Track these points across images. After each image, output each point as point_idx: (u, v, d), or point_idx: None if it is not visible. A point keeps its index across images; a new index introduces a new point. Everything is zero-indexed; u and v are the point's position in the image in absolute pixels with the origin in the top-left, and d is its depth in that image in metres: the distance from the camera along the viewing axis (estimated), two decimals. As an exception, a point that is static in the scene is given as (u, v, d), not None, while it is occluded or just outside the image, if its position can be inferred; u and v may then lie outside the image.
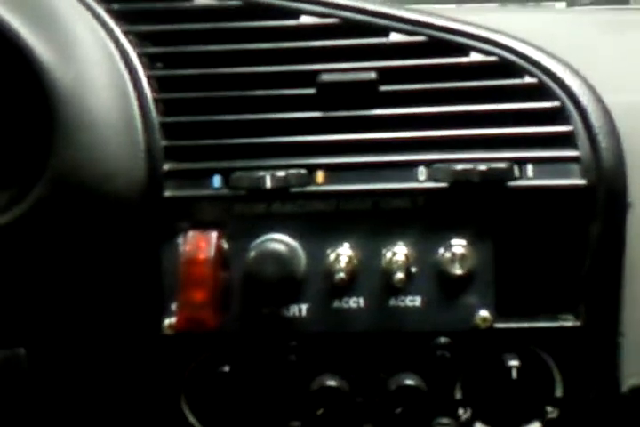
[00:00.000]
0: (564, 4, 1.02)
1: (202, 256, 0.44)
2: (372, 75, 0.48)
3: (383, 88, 0.48)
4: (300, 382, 0.48)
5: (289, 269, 0.46)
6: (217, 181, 0.47)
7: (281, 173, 0.45)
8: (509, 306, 0.48)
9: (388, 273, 0.46)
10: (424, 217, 0.47)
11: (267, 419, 0.49)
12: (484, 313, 0.47)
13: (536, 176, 0.47)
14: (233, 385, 0.48)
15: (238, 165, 0.47)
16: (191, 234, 0.45)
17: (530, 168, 0.47)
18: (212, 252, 0.44)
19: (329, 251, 0.47)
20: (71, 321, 0.41)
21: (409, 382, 0.47)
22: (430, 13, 0.50)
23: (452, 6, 0.80)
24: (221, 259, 0.45)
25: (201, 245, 0.44)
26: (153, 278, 0.47)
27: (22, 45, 0.42)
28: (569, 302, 0.48)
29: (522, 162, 0.47)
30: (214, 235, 0.45)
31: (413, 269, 0.47)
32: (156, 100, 0.47)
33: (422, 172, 0.47)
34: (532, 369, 0.48)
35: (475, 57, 0.49)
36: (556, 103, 0.48)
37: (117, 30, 0.48)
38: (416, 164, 0.47)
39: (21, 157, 0.43)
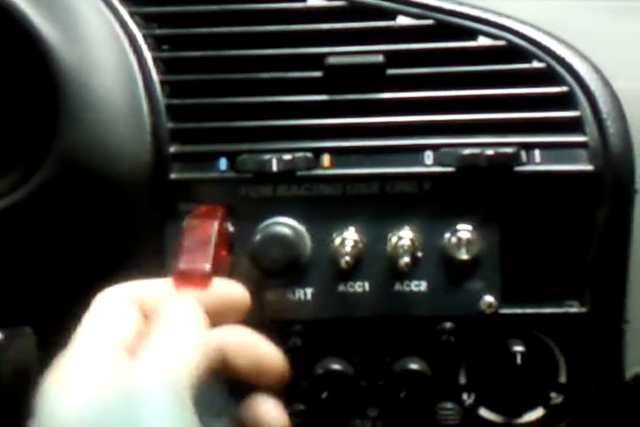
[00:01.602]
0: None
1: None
2: (380, 58, 0.47)
3: (390, 72, 0.48)
4: (305, 366, 0.48)
5: (294, 252, 0.46)
6: (223, 163, 0.47)
7: (287, 157, 0.45)
8: (515, 291, 0.47)
9: (393, 258, 0.46)
10: (430, 202, 0.47)
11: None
12: (489, 298, 0.47)
13: (543, 161, 0.46)
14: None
15: (244, 148, 0.47)
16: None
17: (537, 153, 0.46)
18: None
19: (334, 235, 0.47)
20: (75, 303, 0.41)
21: (413, 366, 0.47)
22: (438, -3, 0.49)
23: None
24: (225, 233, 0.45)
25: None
26: (157, 260, 0.47)
27: (29, 26, 0.42)
28: (574, 288, 0.48)
29: (529, 147, 0.46)
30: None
31: (419, 254, 0.46)
32: (162, 82, 0.47)
33: (429, 156, 0.47)
34: (537, 355, 0.48)
35: (483, 41, 0.48)
36: (564, 88, 0.47)
37: (124, 11, 0.48)
38: (423, 148, 0.47)
39: (28, 138, 0.43)
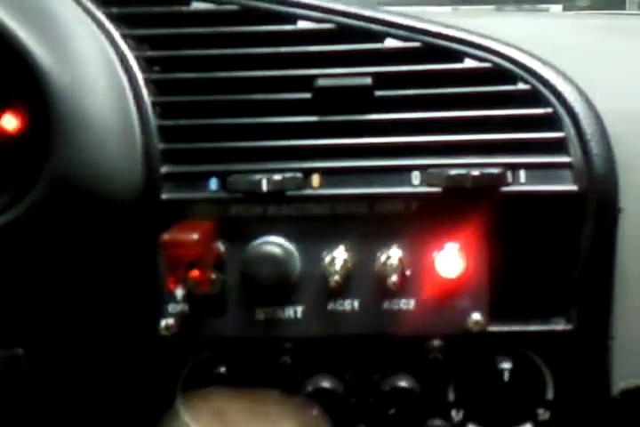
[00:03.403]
0: (560, 8, 1.02)
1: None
2: (368, 80, 0.48)
3: (378, 93, 0.48)
4: (295, 384, 0.48)
5: (284, 271, 0.46)
6: (214, 183, 0.48)
7: (277, 177, 0.46)
8: (502, 309, 0.48)
9: (382, 276, 0.47)
10: (418, 221, 0.47)
11: (261, 420, 0.50)
12: (476, 316, 0.47)
13: (528, 182, 0.47)
14: (228, 386, 0.49)
15: (235, 169, 0.47)
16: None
17: (522, 174, 0.47)
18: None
19: (324, 254, 0.47)
20: (68, 322, 0.41)
21: (402, 383, 0.48)
22: (425, 19, 0.50)
23: (449, 9, 0.81)
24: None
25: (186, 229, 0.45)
26: (149, 280, 0.47)
27: (20, 47, 0.42)
28: (560, 305, 0.49)
29: (514, 167, 0.47)
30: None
31: (407, 273, 0.47)
32: (153, 104, 0.48)
33: (416, 176, 0.47)
34: (524, 372, 0.49)
35: (469, 63, 0.49)
36: (549, 110, 0.48)
37: (116, 34, 0.48)
38: (410, 168, 0.48)
39: (19, 159, 0.44)
